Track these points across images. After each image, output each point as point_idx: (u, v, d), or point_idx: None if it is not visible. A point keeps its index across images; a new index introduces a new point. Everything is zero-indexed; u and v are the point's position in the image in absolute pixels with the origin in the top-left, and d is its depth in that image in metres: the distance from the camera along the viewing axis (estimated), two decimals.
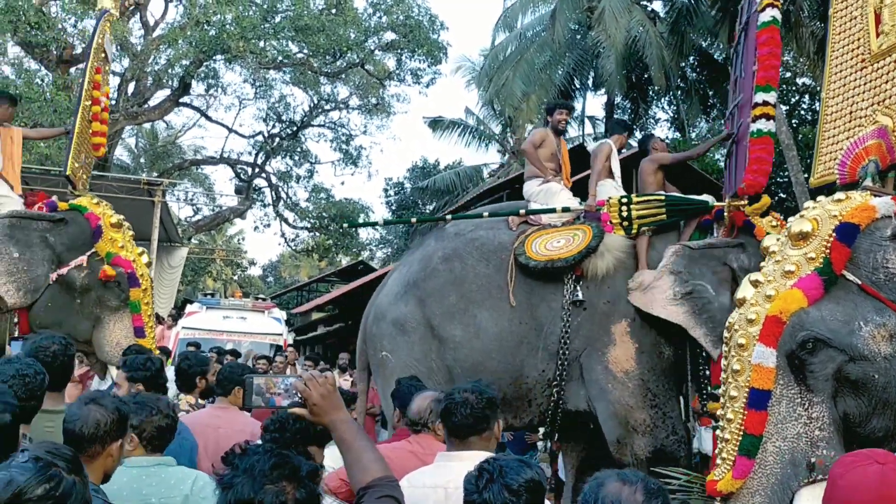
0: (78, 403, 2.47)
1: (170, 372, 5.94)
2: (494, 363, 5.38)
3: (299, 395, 1.90)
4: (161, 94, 19.78)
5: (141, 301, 5.96)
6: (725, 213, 5.14)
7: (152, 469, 2.76)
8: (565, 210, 5.78)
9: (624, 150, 6.61)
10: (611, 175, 6.10)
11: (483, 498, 1.84)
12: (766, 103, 4.61)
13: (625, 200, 5.50)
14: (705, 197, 5.67)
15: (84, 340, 5.87)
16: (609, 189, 5.93)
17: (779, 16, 4.65)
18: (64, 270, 5.76)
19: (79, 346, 5.80)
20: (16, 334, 5.79)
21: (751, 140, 4.67)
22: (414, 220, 8.08)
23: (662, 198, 5.51)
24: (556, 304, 5.38)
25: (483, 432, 2.62)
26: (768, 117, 4.63)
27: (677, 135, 20.91)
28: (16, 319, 5.81)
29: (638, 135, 22.86)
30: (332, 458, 3.12)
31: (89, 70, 6.63)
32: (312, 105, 22.54)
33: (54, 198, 6.26)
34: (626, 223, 5.44)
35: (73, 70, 18.12)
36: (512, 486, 1.84)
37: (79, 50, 18.06)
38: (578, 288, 5.35)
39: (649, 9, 19.14)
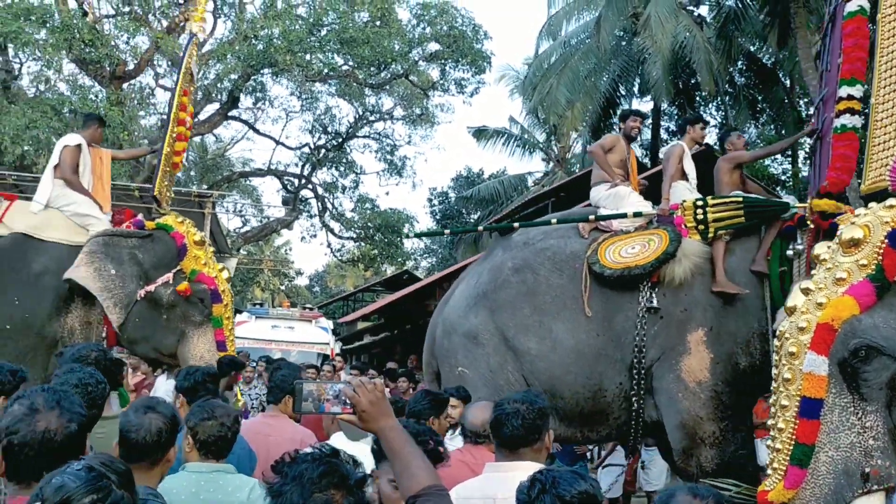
0: (136, 411, 2.50)
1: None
2: (572, 377, 5.21)
3: (349, 401, 1.91)
4: (210, 108, 20.18)
5: (223, 316, 6.13)
6: (808, 217, 4.81)
7: (211, 475, 2.79)
8: (637, 215, 5.57)
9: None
10: (684, 177, 5.89)
11: None
12: (850, 97, 4.43)
13: (700, 203, 5.30)
14: (787, 198, 5.48)
15: (169, 354, 6.10)
16: (683, 191, 5.73)
17: (867, 5, 4.41)
18: (152, 287, 5.92)
19: (164, 360, 6.17)
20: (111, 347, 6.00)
21: (834, 136, 4.48)
22: (481, 228, 7.90)
23: (740, 199, 5.27)
24: (632, 312, 5.20)
25: (534, 443, 2.57)
26: (853, 112, 4.44)
27: None
28: (104, 333, 5.97)
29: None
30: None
31: (178, 93, 6.81)
32: (357, 116, 22.76)
33: (140, 216, 6.45)
34: (701, 227, 5.23)
35: (125, 86, 18.59)
36: (565, 498, 1.81)
37: (131, 66, 18.54)
38: (654, 295, 5.16)
39: (696, 14, 18.94)
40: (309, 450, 1.63)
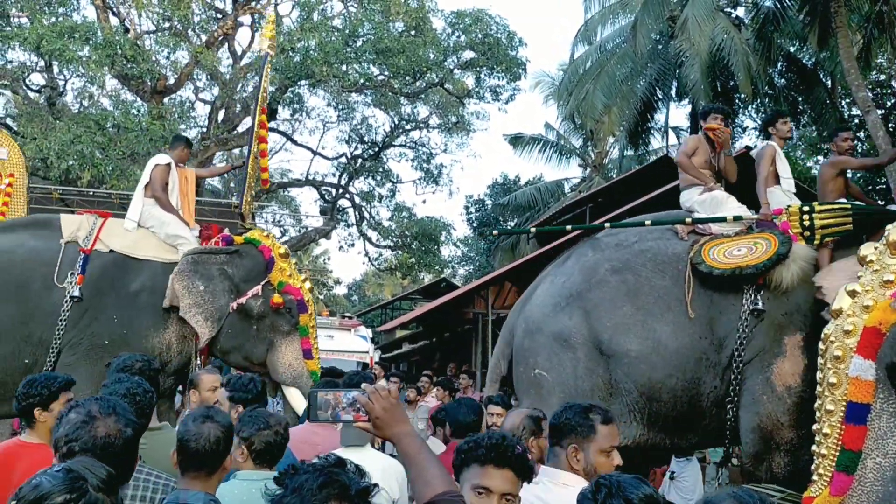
0: (194, 421, 2.53)
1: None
2: (673, 380, 5.08)
3: (362, 409, 1.91)
4: (249, 120, 20.43)
5: (308, 325, 6.37)
6: None
7: (262, 483, 2.81)
8: (737, 219, 5.45)
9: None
10: (778, 180, 5.75)
11: None
12: None
13: (807, 209, 5.17)
14: (893, 207, 5.35)
15: (259, 363, 6.30)
16: (779, 196, 5.59)
17: None
18: (243, 300, 6.16)
19: (254, 369, 6.28)
20: (198, 360, 6.25)
21: None
22: (569, 228, 7.73)
23: (848, 207, 5.13)
24: (734, 315, 5.07)
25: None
26: None
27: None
28: (199, 345, 6.20)
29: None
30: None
31: (258, 111, 7.02)
32: (393, 125, 22.88)
33: (226, 230, 6.69)
34: (807, 233, 5.10)
35: (166, 100, 18.94)
36: (632, 501, 1.82)
37: (171, 81, 18.88)
38: (759, 297, 5.02)
39: (733, 15, 18.71)
40: (315, 460, 1.63)
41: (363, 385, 1.96)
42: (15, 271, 6.00)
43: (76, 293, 5.96)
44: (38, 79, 19.06)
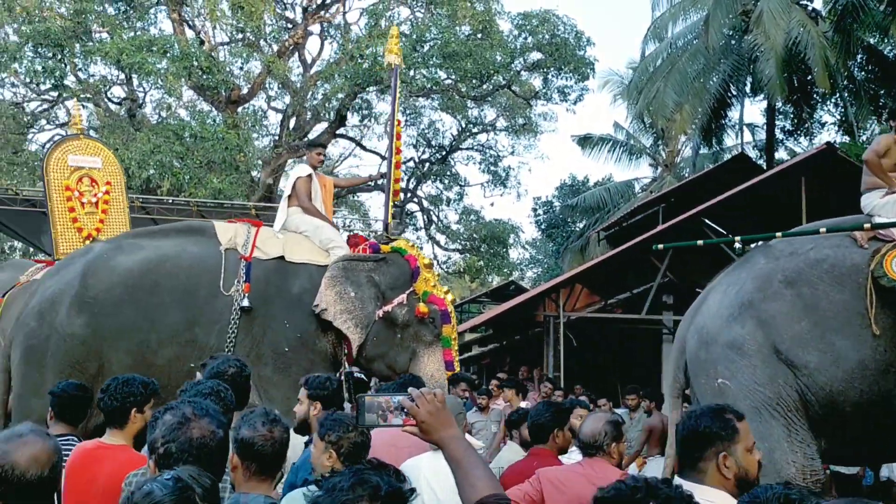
0: (262, 424, 2.53)
1: None
2: (857, 392, 4.86)
3: (408, 412, 1.90)
4: (319, 127, 20.77)
5: (451, 336, 6.35)
6: None
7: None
8: None
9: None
10: None
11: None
12: None
13: None
14: None
15: (402, 372, 6.22)
16: None
17: None
18: (389, 308, 6.15)
19: (394, 377, 6.18)
20: (346, 366, 6.27)
21: None
22: (779, 235, 7.22)
23: None
24: None
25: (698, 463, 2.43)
26: None
27: (846, 138, 19.62)
28: (345, 351, 6.25)
29: (803, 140, 21.71)
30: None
31: (395, 123, 7.14)
32: (460, 129, 22.93)
33: (373, 239, 6.80)
34: None
35: (239, 109, 19.41)
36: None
37: (245, 90, 19.35)
38: None
39: (810, 8, 18.13)
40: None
41: (409, 389, 1.96)
42: (182, 276, 6.05)
43: (246, 303, 5.98)
44: (118, 91, 19.79)
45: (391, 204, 7.19)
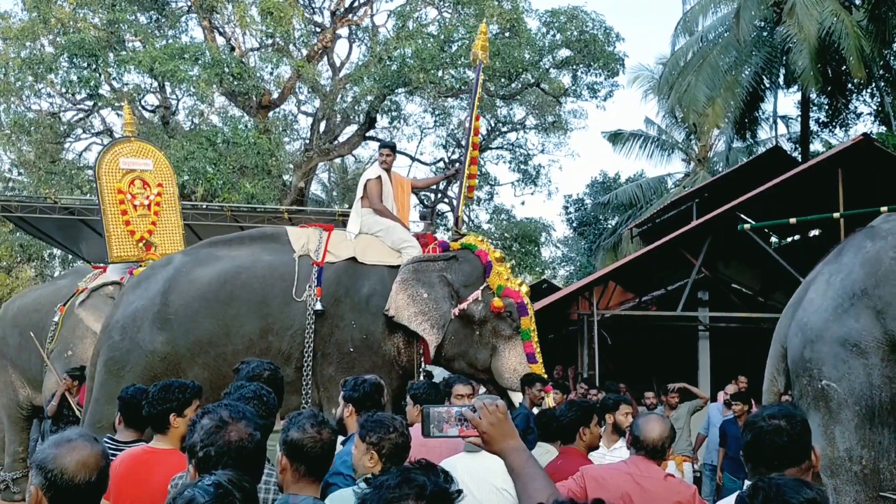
0: (312, 426, 2.57)
1: None
2: None
3: (470, 424, 1.92)
4: (349, 130, 20.89)
5: (530, 328, 6.29)
6: None
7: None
8: None
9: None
10: None
11: None
12: None
13: None
14: None
15: (483, 369, 6.30)
16: None
17: None
18: (464, 305, 6.15)
19: (479, 375, 6.38)
20: (423, 365, 6.31)
21: None
22: (884, 209, 6.71)
23: None
24: None
25: (801, 463, 2.32)
26: None
27: (882, 129, 19.25)
28: (421, 350, 6.27)
29: (838, 132, 21.34)
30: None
31: (474, 119, 7.03)
32: (490, 128, 22.89)
33: (444, 238, 6.81)
34: None
35: (270, 114, 19.58)
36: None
37: (275, 95, 19.51)
38: None
39: None
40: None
41: (474, 400, 1.98)
42: (256, 287, 6.14)
43: (318, 307, 6.07)
44: (152, 99, 20.08)
45: (463, 200, 7.12)
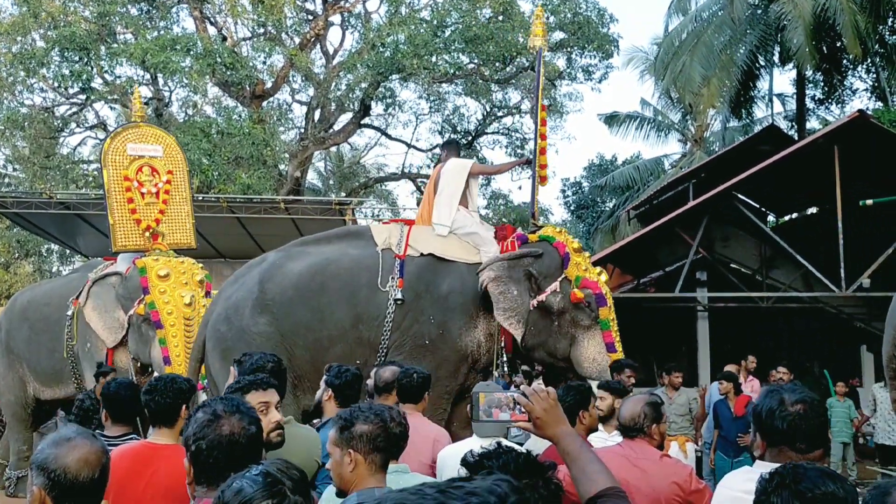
0: (392, 420, 2.60)
1: None
2: None
3: (523, 409, 1.95)
4: (344, 118, 20.83)
5: (609, 318, 6.32)
6: None
7: (392, 476, 2.84)
8: None
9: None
10: None
11: (770, 501, 1.74)
12: None
13: None
14: None
15: (563, 358, 6.38)
16: None
17: None
18: (543, 297, 6.19)
19: (559, 364, 6.49)
20: (504, 357, 6.38)
21: None
22: None
23: None
24: None
25: (822, 447, 2.34)
26: None
27: (879, 104, 19.21)
28: (503, 343, 6.37)
29: (834, 108, 21.28)
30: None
31: (539, 108, 7.01)
32: (485, 113, 22.83)
33: (519, 230, 6.79)
34: None
35: (264, 104, 19.50)
36: (805, 495, 1.69)
37: (269, 85, 19.42)
38: None
39: None
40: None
41: (522, 386, 1.99)
42: (344, 277, 6.39)
43: (399, 296, 6.25)
44: (145, 91, 19.96)
45: (538, 191, 7.15)
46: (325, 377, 4.02)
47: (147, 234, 8.11)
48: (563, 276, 6.26)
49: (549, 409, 1.92)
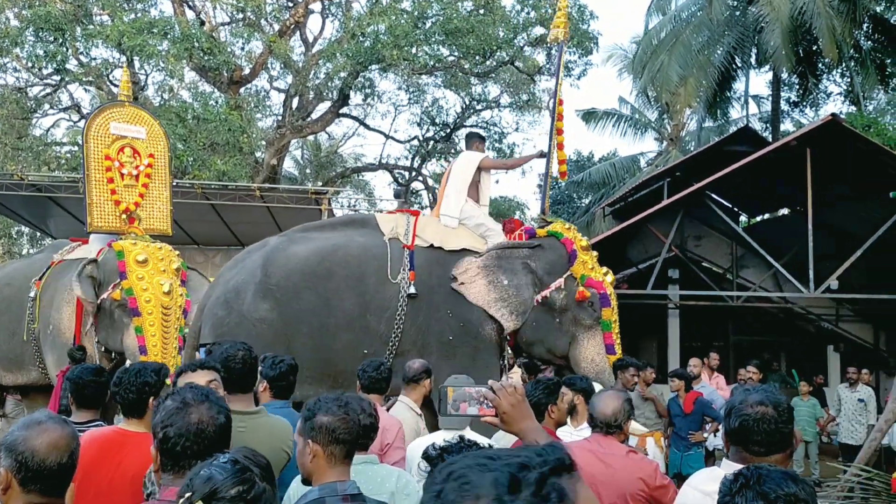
0: (339, 408, 2.52)
1: None
2: None
3: (490, 404, 1.96)
4: (322, 107, 20.71)
5: (611, 320, 6.25)
6: None
7: (360, 467, 2.85)
8: None
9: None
10: None
11: (735, 502, 1.76)
12: None
13: None
14: None
15: (562, 356, 6.31)
16: None
17: None
18: (546, 293, 6.12)
19: (557, 362, 6.42)
20: (508, 350, 6.36)
21: None
22: None
23: None
24: None
25: (785, 450, 2.32)
26: None
27: (852, 108, 19.48)
28: (507, 336, 6.32)
29: (808, 111, 21.55)
30: None
31: (557, 102, 7.00)
32: (464, 106, 22.84)
33: (528, 224, 6.77)
34: None
35: (242, 90, 19.32)
36: (768, 496, 1.72)
37: (247, 71, 19.25)
38: None
39: None
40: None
41: (490, 382, 2.00)
42: (353, 265, 6.27)
43: (412, 291, 6.14)
44: (120, 74, 19.69)
45: (549, 186, 7.14)
46: (260, 367, 3.95)
47: (124, 216, 7.85)
48: (568, 273, 6.19)
49: (515, 404, 1.93)
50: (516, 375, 6.93)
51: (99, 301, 7.48)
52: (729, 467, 2.26)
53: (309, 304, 6.15)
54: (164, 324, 7.18)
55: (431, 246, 6.36)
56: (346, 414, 2.47)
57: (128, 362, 6.80)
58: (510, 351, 6.45)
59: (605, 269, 6.48)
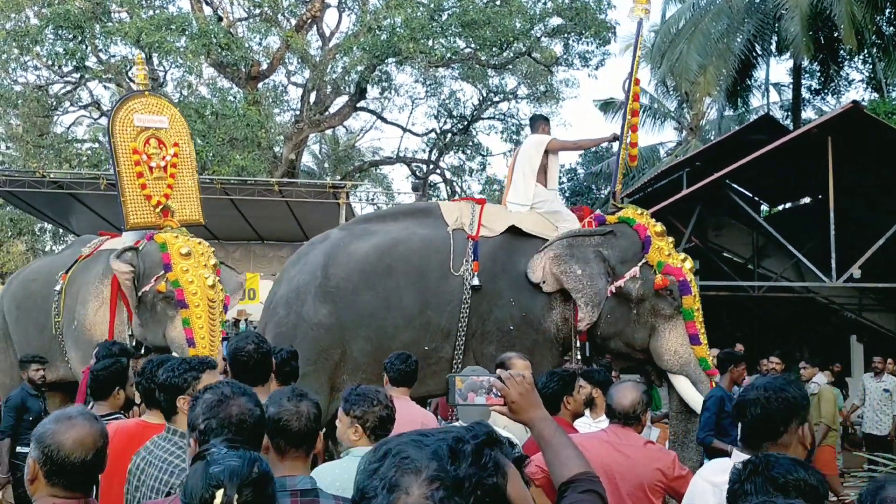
0: (289, 400, 2.49)
1: None
2: None
3: (499, 393, 1.95)
4: (340, 101, 20.74)
5: (693, 308, 5.89)
6: None
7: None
8: None
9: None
10: None
11: (744, 489, 1.77)
12: None
13: None
14: None
15: (641, 349, 5.99)
16: None
17: None
18: (620, 282, 5.84)
19: (636, 356, 6.10)
20: (577, 344, 6.01)
21: None
22: None
23: None
24: None
25: (773, 438, 2.27)
26: None
27: (875, 96, 19.21)
28: (578, 330, 6.01)
29: (830, 99, 21.29)
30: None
31: (633, 83, 6.65)
32: (482, 98, 22.78)
33: (598, 211, 6.50)
34: None
35: (259, 85, 19.40)
36: (777, 481, 1.73)
37: (264, 66, 19.32)
38: None
39: None
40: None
41: (498, 371, 1.99)
42: (414, 259, 6.08)
43: (476, 282, 5.92)
44: (136, 71, 19.81)
45: (622, 169, 6.72)
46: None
47: (158, 210, 7.61)
48: (643, 260, 5.85)
49: (524, 393, 1.92)
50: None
51: (140, 293, 7.16)
52: (738, 457, 2.25)
53: (368, 305, 5.98)
54: (211, 316, 6.94)
55: (498, 234, 6.12)
56: (297, 406, 2.43)
57: (152, 355, 6.71)
58: (586, 350, 6.03)
59: (683, 255, 6.16)
